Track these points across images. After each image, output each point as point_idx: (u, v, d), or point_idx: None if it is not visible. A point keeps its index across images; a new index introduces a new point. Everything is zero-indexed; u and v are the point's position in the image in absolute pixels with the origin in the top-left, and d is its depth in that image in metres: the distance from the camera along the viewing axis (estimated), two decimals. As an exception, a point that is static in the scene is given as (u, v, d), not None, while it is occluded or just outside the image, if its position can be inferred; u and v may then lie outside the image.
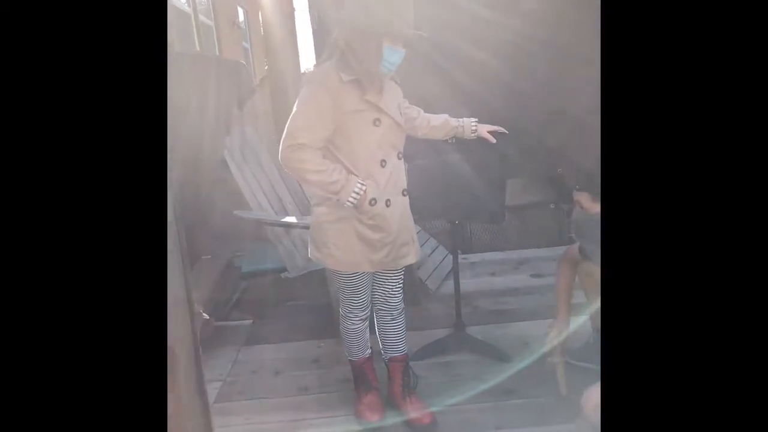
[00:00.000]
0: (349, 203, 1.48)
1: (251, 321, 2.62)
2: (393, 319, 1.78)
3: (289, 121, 1.47)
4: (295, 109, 1.47)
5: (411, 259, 1.67)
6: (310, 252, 1.68)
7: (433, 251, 3.09)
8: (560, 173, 3.50)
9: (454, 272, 2.23)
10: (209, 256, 3.04)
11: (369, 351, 1.82)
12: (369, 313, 1.76)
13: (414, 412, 1.75)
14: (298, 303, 2.71)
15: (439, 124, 1.75)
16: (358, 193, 1.47)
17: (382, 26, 1.40)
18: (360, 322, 1.74)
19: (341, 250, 1.57)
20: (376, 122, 1.49)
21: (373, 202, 1.51)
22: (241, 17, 8.24)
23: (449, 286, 2.62)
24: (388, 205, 1.55)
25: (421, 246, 3.00)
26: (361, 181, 1.48)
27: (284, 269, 2.48)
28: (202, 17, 5.77)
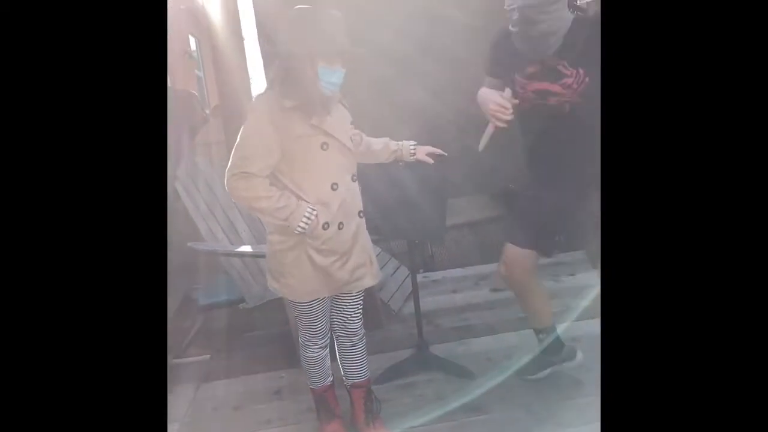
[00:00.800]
0: (299, 229, 1.47)
1: (209, 356, 2.53)
2: (353, 345, 1.75)
3: (233, 150, 1.46)
4: (238, 138, 1.46)
5: (368, 282, 1.66)
6: (269, 283, 1.66)
7: (395, 271, 3.10)
8: (512, 188, 3.60)
9: (414, 291, 2.23)
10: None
11: (330, 378, 1.79)
12: (329, 341, 1.73)
13: None
14: (258, 333, 2.65)
15: (379, 148, 1.76)
16: (308, 218, 1.46)
17: (314, 47, 1.42)
18: (319, 350, 1.71)
19: (296, 279, 1.55)
20: (324, 146, 1.49)
21: (326, 226, 1.50)
22: (194, 46, 8.18)
23: (411, 305, 2.62)
24: (340, 228, 1.54)
25: (383, 267, 3.00)
26: (312, 206, 1.48)
27: (242, 300, 2.42)
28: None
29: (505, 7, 1.58)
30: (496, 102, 1.63)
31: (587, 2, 1.65)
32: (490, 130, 1.70)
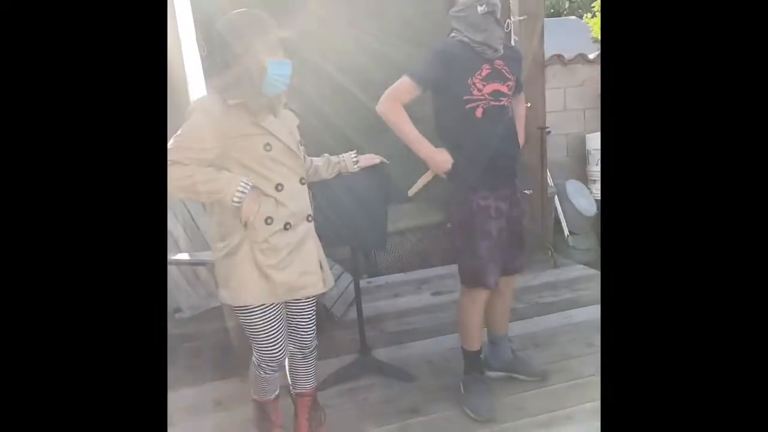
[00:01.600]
0: (236, 200, 1.40)
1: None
2: (305, 357, 1.70)
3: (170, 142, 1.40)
4: (178, 132, 1.41)
5: (315, 290, 1.57)
6: (219, 294, 1.56)
7: (338, 278, 3.10)
8: (449, 227, 3.71)
9: (356, 297, 2.25)
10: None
11: (277, 393, 1.72)
12: (283, 363, 1.63)
13: None
14: (195, 344, 2.55)
15: (321, 164, 1.76)
16: (243, 191, 1.40)
17: (257, 41, 1.40)
18: (273, 372, 1.60)
19: (239, 281, 1.48)
20: (267, 147, 1.46)
21: (269, 221, 1.46)
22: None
23: (355, 311, 2.64)
24: (286, 228, 1.49)
25: (325, 273, 3.00)
26: (246, 180, 1.42)
27: (178, 309, 2.33)
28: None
29: (451, 13, 1.73)
30: (444, 158, 1.78)
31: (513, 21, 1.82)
32: (428, 177, 1.87)
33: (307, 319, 1.66)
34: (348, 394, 2.07)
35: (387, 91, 1.78)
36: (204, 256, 2.24)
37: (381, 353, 2.30)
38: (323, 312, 2.67)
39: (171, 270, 2.41)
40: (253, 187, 1.43)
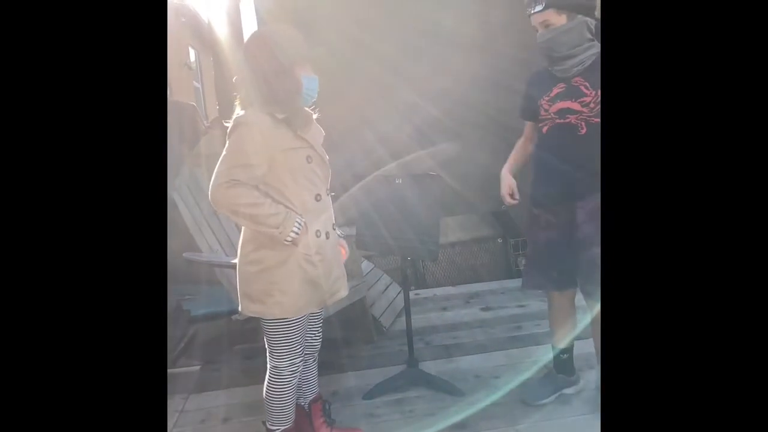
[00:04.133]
0: (290, 238, 1.46)
1: (199, 366, 2.53)
2: (314, 361, 1.78)
3: (220, 161, 1.46)
4: (226, 150, 1.47)
5: (344, 293, 1.67)
6: (245, 307, 1.56)
7: (387, 288, 3.12)
8: (504, 209, 3.66)
9: (406, 308, 2.26)
10: (156, 301, 2.92)
11: (293, 418, 1.67)
12: (301, 365, 1.65)
13: None
14: (249, 346, 2.65)
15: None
16: (299, 227, 1.47)
17: (293, 57, 1.48)
18: (293, 376, 1.60)
19: (288, 295, 1.51)
20: (309, 159, 1.53)
21: (318, 233, 1.53)
22: (193, 57, 8.25)
23: (402, 322, 2.65)
24: (327, 238, 1.57)
25: (374, 283, 3.04)
26: (299, 216, 1.49)
27: (235, 311, 2.42)
28: (151, 58, 5.73)
29: (537, 42, 1.77)
30: (509, 186, 1.89)
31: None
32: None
33: (319, 324, 1.75)
34: (394, 404, 2.08)
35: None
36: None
37: (428, 366, 2.29)
38: (372, 322, 2.71)
39: (229, 273, 2.52)
40: (305, 224, 1.50)
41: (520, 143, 2.00)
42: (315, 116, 1.63)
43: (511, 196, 1.89)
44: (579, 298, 1.91)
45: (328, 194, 1.62)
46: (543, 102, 1.81)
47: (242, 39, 3.09)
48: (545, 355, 2.18)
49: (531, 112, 1.89)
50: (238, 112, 1.52)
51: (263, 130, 1.46)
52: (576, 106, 1.74)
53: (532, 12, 1.73)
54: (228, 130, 1.49)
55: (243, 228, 1.58)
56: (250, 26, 3.94)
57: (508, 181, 1.90)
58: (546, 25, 1.71)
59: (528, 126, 1.96)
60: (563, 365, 2.01)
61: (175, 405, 2.20)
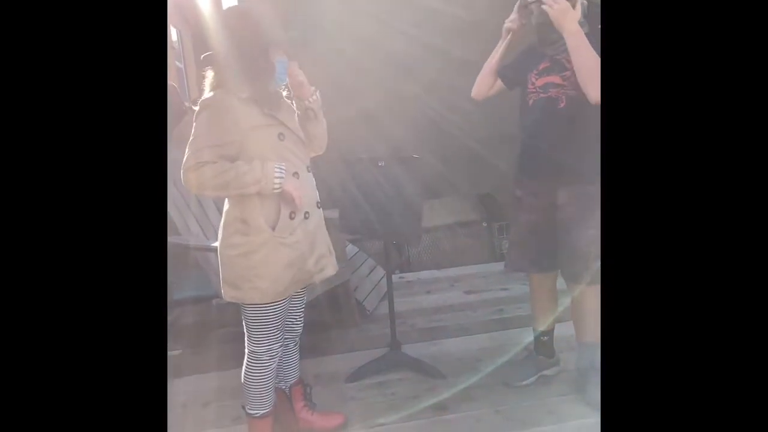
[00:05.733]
0: (277, 184, 1.43)
1: (180, 351, 2.50)
2: (295, 345, 1.76)
3: (188, 144, 1.42)
4: (193, 133, 1.43)
5: (329, 272, 1.63)
6: (225, 293, 1.54)
7: (371, 272, 3.11)
8: (489, 193, 3.66)
9: (389, 292, 2.26)
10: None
11: (273, 402, 1.66)
12: (281, 350, 1.64)
13: (329, 418, 1.81)
14: (230, 330, 2.62)
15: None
16: (281, 171, 1.44)
17: (268, 38, 1.45)
18: (271, 360, 1.59)
19: (267, 279, 1.48)
20: (281, 136, 1.50)
21: (292, 215, 1.49)
22: (174, 37, 8.03)
23: (386, 305, 2.65)
24: (306, 218, 1.53)
25: (359, 267, 3.02)
26: (278, 164, 1.44)
27: (215, 296, 2.40)
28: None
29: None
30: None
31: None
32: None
33: (300, 307, 1.73)
34: (377, 387, 2.09)
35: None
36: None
37: (411, 349, 2.30)
38: (355, 305, 2.70)
39: (209, 257, 2.48)
40: (286, 170, 1.46)
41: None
42: (284, 93, 1.60)
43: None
44: (560, 282, 1.92)
45: (308, 171, 1.59)
46: (531, 76, 1.82)
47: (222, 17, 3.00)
48: (526, 337, 2.20)
49: (517, 84, 1.89)
50: (207, 93, 1.48)
51: (229, 109, 1.43)
52: (558, 79, 1.76)
53: None
54: (195, 113, 1.45)
55: (223, 212, 1.55)
56: (230, 4, 3.83)
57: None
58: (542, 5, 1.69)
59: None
60: (544, 347, 2.02)
61: (155, 389, 2.18)
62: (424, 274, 3.40)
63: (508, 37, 1.84)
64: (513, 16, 1.81)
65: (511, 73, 1.91)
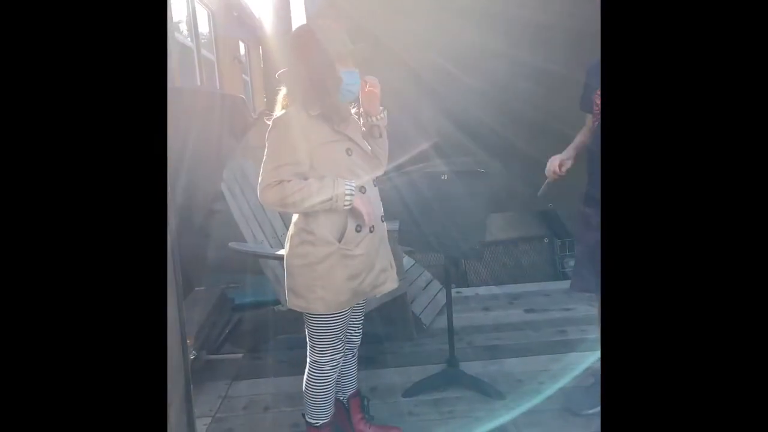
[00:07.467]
0: (347, 201, 1.46)
1: (242, 354, 2.59)
2: (353, 356, 1.77)
3: (263, 163, 1.48)
4: (267, 151, 1.48)
5: (390, 286, 1.64)
6: (290, 301, 1.58)
7: (428, 285, 3.09)
8: (551, 207, 3.54)
9: (448, 307, 2.22)
10: (203, 288, 3.02)
11: (333, 412, 1.68)
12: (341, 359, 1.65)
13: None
14: (291, 336, 2.69)
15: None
16: (351, 188, 1.47)
17: (332, 53, 1.46)
18: (333, 371, 1.61)
19: (329, 290, 1.51)
20: (348, 151, 1.53)
21: (358, 228, 1.51)
22: (242, 51, 8.46)
23: (443, 320, 2.61)
24: (371, 231, 1.55)
25: (415, 279, 3.01)
26: (348, 181, 1.48)
27: (278, 302, 2.47)
28: (204, 51, 5.92)
29: None
30: (553, 166, 1.83)
31: None
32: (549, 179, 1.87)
33: (359, 318, 1.75)
34: (433, 404, 2.05)
35: None
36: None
37: (469, 367, 2.25)
38: (412, 319, 2.68)
39: (273, 264, 2.56)
40: (357, 186, 1.49)
41: (579, 134, 1.94)
42: (353, 110, 1.62)
43: (557, 172, 1.81)
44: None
45: (374, 186, 1.61)
46: (595, 96, 1.77)
47: (290, 33, 3.12)
48: (592, 362, 2.10)
49: (588, 104, 1.83)
50: (279, 111, 1.54)
51: (300, 126, 1.47)
52: None
53: None
54: (267, 131, 1.51)
55: (291, 222, 1.60)
56: (298, 20, 3.98)
57: (555, 159, 1.83)
58: None
59: (588, 117, 1.90)
60: None
61: (218, 390, 2.26)
62: (482, 290, 3.33)
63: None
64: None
65: (583, 93, 1.86)
